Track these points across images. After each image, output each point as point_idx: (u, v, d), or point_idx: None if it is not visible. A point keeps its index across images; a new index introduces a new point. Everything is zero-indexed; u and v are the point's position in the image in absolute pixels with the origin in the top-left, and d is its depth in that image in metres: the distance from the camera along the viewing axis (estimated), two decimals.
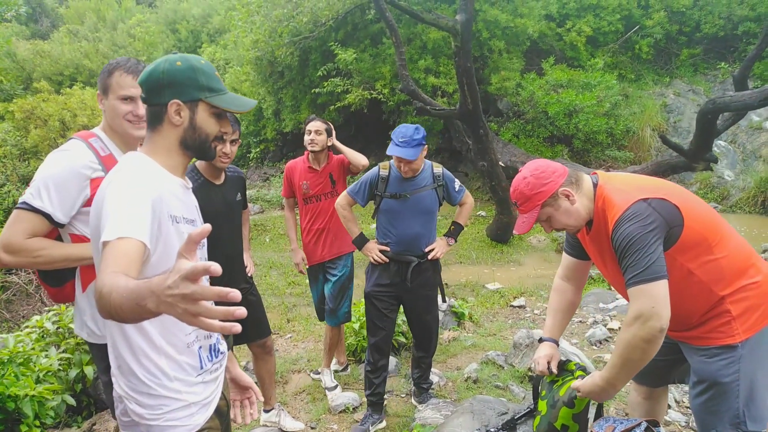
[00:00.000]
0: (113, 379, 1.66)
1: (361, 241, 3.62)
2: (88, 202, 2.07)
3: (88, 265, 2.13)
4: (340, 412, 3.93)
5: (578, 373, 2.34)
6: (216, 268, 1.06)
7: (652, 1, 14.38)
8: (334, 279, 4.14)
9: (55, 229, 2.12)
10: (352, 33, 13.80)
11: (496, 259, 8.75)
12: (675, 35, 14.62)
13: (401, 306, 3.71)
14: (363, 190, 3.55)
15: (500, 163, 9.48)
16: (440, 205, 3.59)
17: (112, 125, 2.22)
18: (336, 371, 4.48)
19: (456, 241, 3.70)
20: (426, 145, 3.37)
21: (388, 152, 3.32)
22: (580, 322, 5.74)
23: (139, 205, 1.44)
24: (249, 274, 3.51)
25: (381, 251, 3.51)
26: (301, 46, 13.54)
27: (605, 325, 5.33)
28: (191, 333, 1.65)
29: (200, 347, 1.69)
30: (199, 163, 3.16)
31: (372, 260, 3.55)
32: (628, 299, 2.03)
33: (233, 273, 3.18)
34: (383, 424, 3.71)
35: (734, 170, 11.80)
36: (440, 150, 14.14)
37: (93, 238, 1.56)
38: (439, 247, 3.53)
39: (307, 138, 4.01)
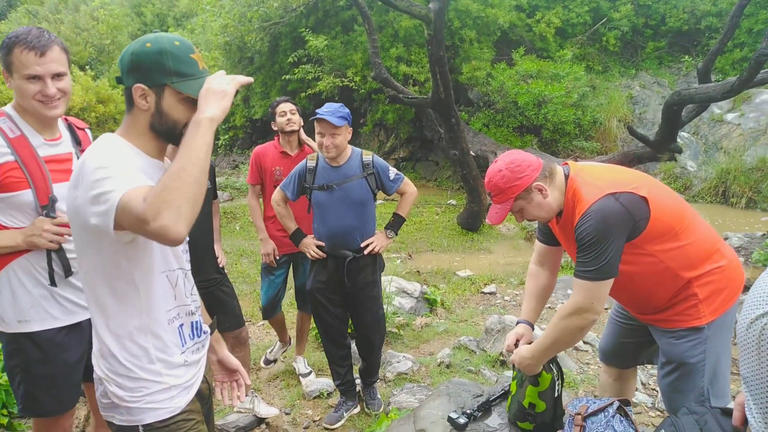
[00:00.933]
0: (93, 361, 1.64)
1: (297, 237, 3.46)
2: None
3: None
4: (315, 397, 3.95)
5: None
6: None
7: None
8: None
9: None
10: (323, 19, 13.69)
11: (466, 246, 8.85)
12: (641, 28, 14.90)
13: None
14: (293, 183, 3.38)
15: (471, 152, 9.55)
16: (374, 195, 3.40)
17: (23, 105, 2.07)
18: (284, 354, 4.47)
19: (396, 234, 3.51)
20: (350, 127, 3.25)
21: (311, 118, 3.19)
22: (549, 307, 5.86)
23: (131, 170, 1.43)
24: (221, 265, 3.46)
25: (318, 246, 3.39)
26: (272, 31, 13.39)
27: None
28: (172, 309, 1.64)
29: (182, 324, 1.68)
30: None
31: (309, 255, 3.41)
32: None
33: (203, 263, 3.09)
34: (357, 409, 3.72)
35: (696, 161, 12.13)
36: (411, 139, 14.17)
37: (73, 217, 1.53)
38: (377, 241, 3.37)
39: (281, 120, 3.85)
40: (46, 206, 2.08)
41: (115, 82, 1.62)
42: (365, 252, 3.35)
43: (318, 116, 3.15)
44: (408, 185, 3.49)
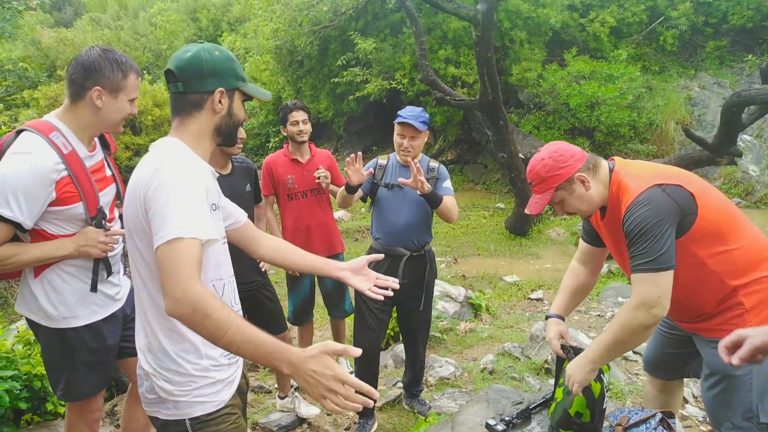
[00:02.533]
0: (140, 356, 1.67)
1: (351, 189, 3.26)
2: (53, 203, 2.06)
3: None
4: None
5: None
6: (355, 352, 1.33)
7: None
8: None
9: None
10: (372, 22, 13.75)
11: (514, 251, 8.71)
12: (701, 27, 14.32)
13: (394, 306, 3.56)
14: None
15: (520, 155, 9.40)
16: None
17: (108, 122, 2.17)
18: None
19: (429, 194, 3.12)
20: (429, 132, 3.28)
21: (395, 121, 3.18)
22: (599, 315, 5.69)
23: (196, 201, 1.49)
24: (263, 269, 3.48)
25: (374, 249, 3.37)
26: (321, 35, 13.54)
27: None
28: None
29: None
30: None
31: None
32: None
33: (243, 266, 3.04)
34: (375, 425, 3.61)
35: (759, 165, 11.57)
36: (459, 141, 14.07)
37: (131, 225, 1.57)
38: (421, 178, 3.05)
39: (293, 128, 3.76)
40: (95, 216, 2.19)
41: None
42: (407, 182, 3.10)
43: (402, 120, 3.16)
44: (452, 200, 3.35)
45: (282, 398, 3.74)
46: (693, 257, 2.03)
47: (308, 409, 3.72)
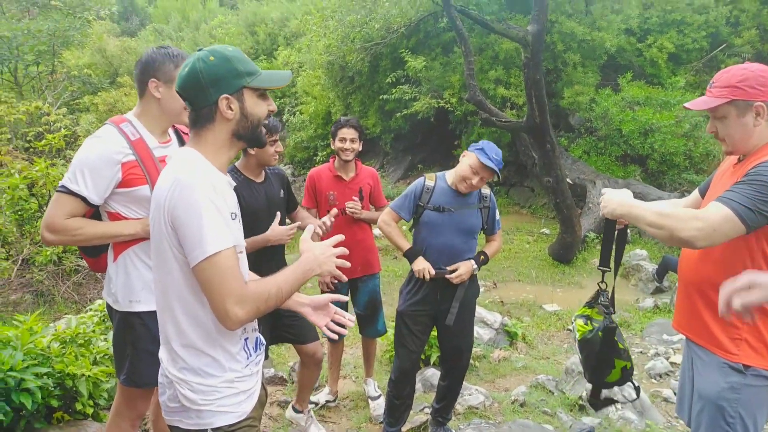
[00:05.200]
0: (163, 366, 1.69)
1: (413, 255, 3.35)
2: (120, 184, 2.28)
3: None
4: (381, 422, 3.88)
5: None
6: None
7: (743, 18, 13.60)
8: (368, 290, 3.96)
9: (91, 208, 2.31)
10: (423, 40, 13.80)
11: (556, 279, 8.48)
12: None
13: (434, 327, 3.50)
14: (408, 204, 3.35)
15: (568, 180, 9.19)
16: (482, 228, 3.37)
17: (169, 113, 2.38)
18: (328, 402, 4.14)
19: (479, 270, 3.39)
20: None
21: (482, 160, 3.10)
22: (641, 353, 5.46)
23: (218, 213, 1.52)
24: None
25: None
26: (372, 51, 13.66)
27: (667, 358, 5.05)
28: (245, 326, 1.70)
29: (247, 338, 1.73)
30: (239, 163, 3.20)
31: (422, 276, 3.26)
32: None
33: (274, 272, 3.14)
34: None
35: None
36: (506, 163, 13.79)
37: (158, 237, 1.60)
38: (464, 269, 3.25)
39: (340, 145, 3.75)
40: None
41: None
42: (451, 277, 3.24)
43: (489, 165, 3.10)
44: (500, 236, 3.52)
45: (297, 411, 3.68)
46: (749, 248, 1.93)
47: (318, 430, 3.66)
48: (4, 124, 10.08)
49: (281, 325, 3.25)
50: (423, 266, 3.26)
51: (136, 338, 2.39)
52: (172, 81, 2.29)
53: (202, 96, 1.58)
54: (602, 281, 2.38)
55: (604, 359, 2.32)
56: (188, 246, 1.49)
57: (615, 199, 2.12)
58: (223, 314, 1.50)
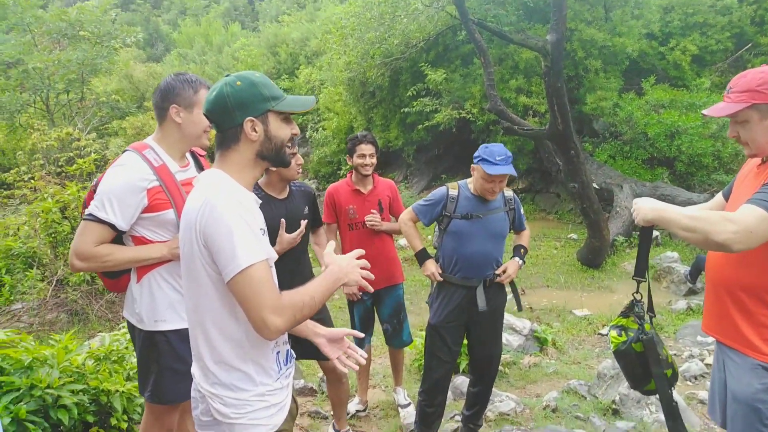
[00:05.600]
0: (195, 381, 1.72)
1: (423, 256, 3.42)
2: (146, 209, 2.32)
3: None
4: (411, 430, 3.87)
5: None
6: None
7: None
8: (392, 301, 3.97)
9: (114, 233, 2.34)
10: (443, 54, 13.88)
11: (586, 284, 8.37)
12: None
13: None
14: (431, 211, 3.36)
15: (594, 185, 9.10)
16: (510, 230, 3.40)
17: (189, 136, 2.43)
18: (358, 411, 4.16)
19: (524, 263, 3.51)
20: None
21: (489, 171, 3.08)
22: (675, 355, 5.35)
23: (249, 228, 1.57)
24: None
25: (442, 274, 3.36)
26: (392, 66, 13.78)
27: (702, 360, 4.93)
28: (276, 340, 1.72)
29: (278, 352, 1.76)
30: (261, 180, 3.24)
31: (432, 278, 3.36)
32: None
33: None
34: None
35: None
36: (531, 170, 13.81)
37: (188, 256, 1.65)
38: (512, 268, 3.35)
39: (359, 161, 3.80)
40: None
41: None
42: (500, 279, 3.32)
43: (497, 171, 3.10)
44: (526, 224, 3.61)
45: (336, 431, 3.69)
46: None
47: None
48: (38, 150, 10.41)
49: (302, 341, 3.28)
50: (432, 270, 3.35)
51: (160, 356, 2.43)
52: (191, 106, 2.36)
53: (228, 118, 1.65)
54: (637, 291, 2.33)
55: (640, 371, 2.28)
56: (222, 262, 1.54)
57: (646, 206, 2.10)
58: (261, 325, 1.52)
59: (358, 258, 1.78)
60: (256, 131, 1.65)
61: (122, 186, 2.28)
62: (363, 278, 1.76)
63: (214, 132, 1.79)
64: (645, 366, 2.25)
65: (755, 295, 1.99)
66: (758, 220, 1.78)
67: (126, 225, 2.30)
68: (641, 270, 2.30)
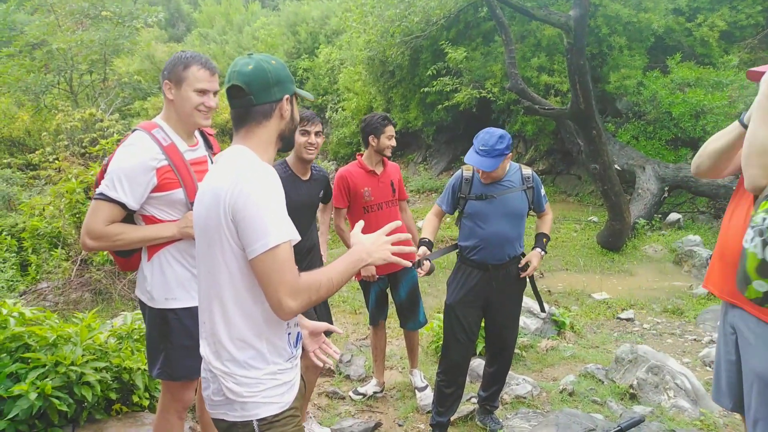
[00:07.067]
0: (206, 361, 1.73)
1: (421, 243, 3.34)
2: (155, 189, 2.34)
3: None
4: (428, 412, 3.91)
5: None
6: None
7: None
8: (407, 283, 3.97)
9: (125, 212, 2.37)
10: (464, 31, 13.67)
11: (605, 267, 8.30)
12: None
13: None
14: (447, 196, 3.38)
15: (616, 166, 8.97)
16: (529, 209, 3.36)
17: (181, 114, 2.41)
18: (375, 393, 4.22)
19: (546, 253, 3.47)
20: (510, 154, 3.16)
21: (465, 159, 3.14)
22: (695, 340, 5.31)
23: (279, 207, 1.60)
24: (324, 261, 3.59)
25: (465, 258, 3.35)
26: (412, 45, 13.61)
27: None
28: (290, 321, 1.75)
29: (290, 333, 1.77)
30: (289, 159, 3.31)
31: (419, 256, 3.23)
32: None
33: (312, 264, 3.31)
34: None
35: None
36: (552, 151, 13.65)
37: (211, 235, 1.65)
38: (535, 260, 3.32)
39: (387, 142, 3.81)
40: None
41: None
42: (525, 273, 3.32)
43: (469, 161, 3.13)
44: (549, 207, 3.53)
45: None
46: None
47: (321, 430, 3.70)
48: (62, 131, 10.56)
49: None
50: (419, 252, 3.23)
51: (171, 333, 2.46)
52: (180, 81, 2.34)
53: (266, 93, 1.67)
54: None
55: None
56: (249, 238, 1.55)
57: None
58: (277, 305, 1.56)
59: (389, 234, 1.79)
60: (288, 109, 1.72)
61: (132, 165, 2.29)
62: (397, 254, 1.76)
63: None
64: None
65: None
66: None
67: (136, 204, 2.33)
68: None
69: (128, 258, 2.56)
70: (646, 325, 5.85)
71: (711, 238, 8.62)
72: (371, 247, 1.73)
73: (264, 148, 1.71)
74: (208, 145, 2.64)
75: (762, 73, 1.99)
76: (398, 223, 1.84)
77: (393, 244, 1.77)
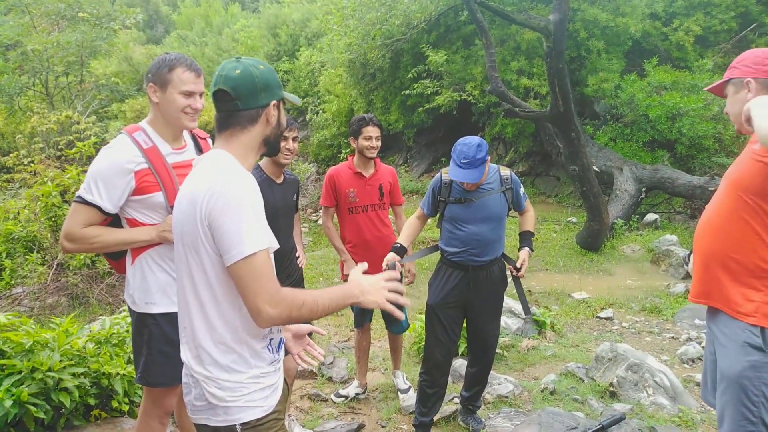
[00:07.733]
0: (188, 367, 1.72)
1: (392, 248, 3.37)
2: (134, 192, 2.33)
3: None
4: (411, 413, 3.91)
5: None
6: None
7: None
8: None
9: (109, 217, 2.36)
10: (444, 35, 13.75)
11: (585, 267, 8.38)
12: None
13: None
14: (428, 199, 3.40)
15: (594, 167, 9.07)
16: (509, 210, 3.37)
17: (167, 117, 2.38)
18: (357, 395, 4.21)
19: (533, 250, 3.49)
20: (489, 158, 3.18)
21: (449, 175, 3.16)
22: (673, 338, 5.39)
23: (257, 214, 1.58)
24: (300, 265, 3.58)
25: (447, 259, 3.38)
26: (393, 48, 13.65)
27: (699, 343, 4.96)
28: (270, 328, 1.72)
29: (271, 339, 1.75)
30: (262, 162, 3.30)
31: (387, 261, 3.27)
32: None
33: (288, 268, 3.33)
34: None
35: None
36: (531, 153, 13.77)
37: (188, 240, 1.64)
38: (527, 259, 3.35)
39: (365, 143, 3.76)
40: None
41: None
42: (519, 274, 3.35)
43: (457, 178, 3.14)
44: (530, 205, 3.56)
45: None
46: (755, 209, 2.00)
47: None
48: (37, 134, 10.39)
49: None
50: (387, 258, 3.27)
51: (150, 339, 2.45)
52: (165, 84, 2.32)
53: (253, 98, 1.65)
54: None
55: None
56: (225, 246, 1.53)
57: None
58: (256, 312, 1.54)
59: (391, 290, 1.74)
60: (274, 114, 1.70)
61: (109, 168, 2.28)
62: (393, 303, 1.72)
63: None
64: None
65: (736, 261, 2.07)
66: None
67: (113, 207, 2.31)
68: None
69: (118, 261, 2.56)
70: (624, 323, 5.93)
71: (687, 237, 8.76)
72: (368, 288, 1.71)
73: (245, 154, 1.69)
74: (198, 148, 2.61)
75: (720, 86, 2.19)
76: (395, 273, 1.81)
77: (389, 291, 1.74)
